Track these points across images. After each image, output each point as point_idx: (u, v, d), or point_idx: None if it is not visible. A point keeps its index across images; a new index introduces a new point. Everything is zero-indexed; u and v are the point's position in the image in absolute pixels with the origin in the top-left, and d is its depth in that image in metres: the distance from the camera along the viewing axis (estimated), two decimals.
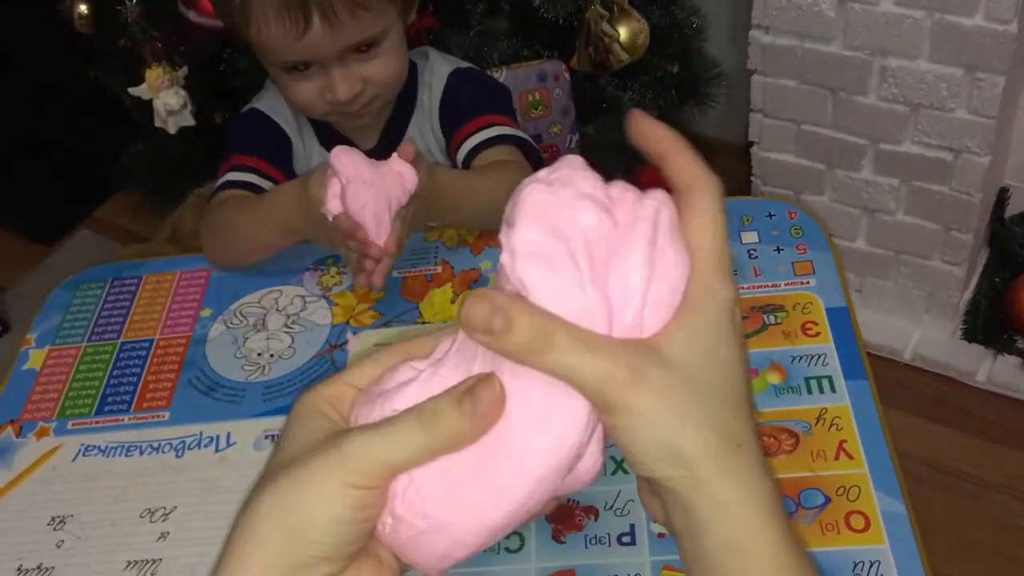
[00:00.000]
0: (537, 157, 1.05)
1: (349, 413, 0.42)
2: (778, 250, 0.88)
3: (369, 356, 0.44)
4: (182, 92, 1.38)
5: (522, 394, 0.38)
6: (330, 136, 1.07)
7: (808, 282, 0.84)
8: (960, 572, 1.37)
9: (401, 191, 0.80)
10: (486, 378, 0.38)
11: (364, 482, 0.37)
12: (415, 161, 0.82)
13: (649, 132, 0.41)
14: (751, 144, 1.71)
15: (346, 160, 0.78)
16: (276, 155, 1.05)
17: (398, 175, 0.80)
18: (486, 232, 0.96)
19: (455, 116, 1.06)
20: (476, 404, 0.37)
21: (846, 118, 1.54)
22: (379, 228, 0.79)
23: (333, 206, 0.79)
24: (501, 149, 1.01)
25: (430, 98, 1.07)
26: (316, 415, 0.42)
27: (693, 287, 0.39)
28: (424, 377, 0.40)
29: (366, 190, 0.78)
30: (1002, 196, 1.67)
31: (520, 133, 1.04)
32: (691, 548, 0.39)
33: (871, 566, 0.64)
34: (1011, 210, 1.69)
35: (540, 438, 0.38)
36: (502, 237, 0.38)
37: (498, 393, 0.38)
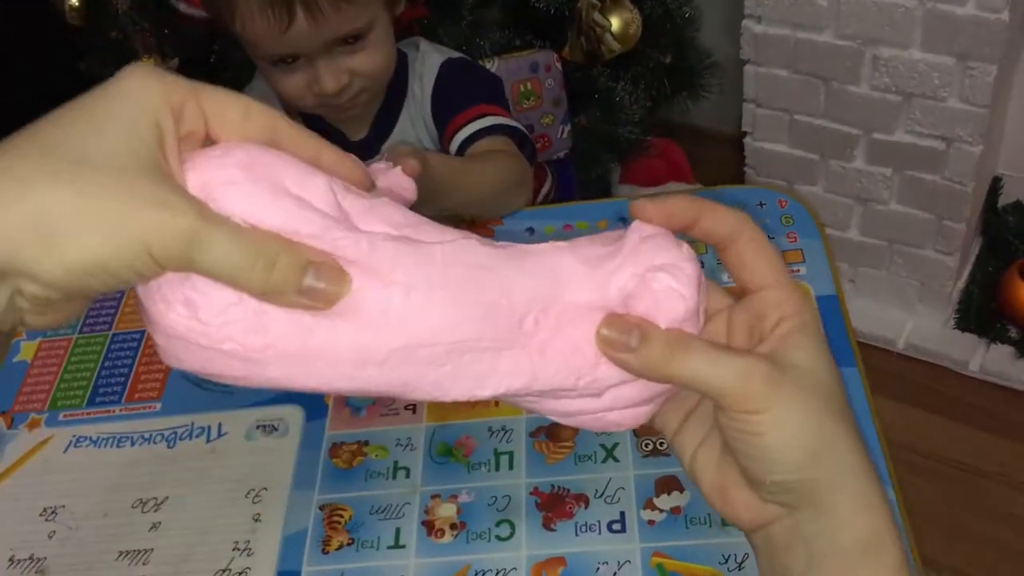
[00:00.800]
0: (531, 147, 1.05)
1: (191, 161, 0.37)
2: (769, 239, 0.88)
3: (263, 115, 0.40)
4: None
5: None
6: (320, 127, 1.07)
7: (798, 270, 0.84)
8: (952, 559, 1.38)
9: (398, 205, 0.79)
10: (343, 275, 0.37)
11: (158, 259, 0.34)
12: (414, 169, 0.80)
13: (667, 210, 0.41)
14: (744, 134, 1.72)
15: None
16: None
17: (397, 188, 0.79)
18: (478, 220, 0.96)
19: (447, 107, 1.06)
20: (313, 284, 0.37)
21: (839, 108, 1.54)
22: None
23: None
24: (494, 139, 1.01)
25: (421, 89, 1.07)
26: (150, 124, 0.35)
27: (788, 302, 0.41)
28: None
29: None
30: (995, 185, 1.67)
31: (513, 123, 1.04)
32: (822, 549, 0.39)
33: None
34: (1004, 199, 1.69)
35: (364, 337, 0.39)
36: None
37: (341, 293, 0.37)
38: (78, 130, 0.34)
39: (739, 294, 0.44)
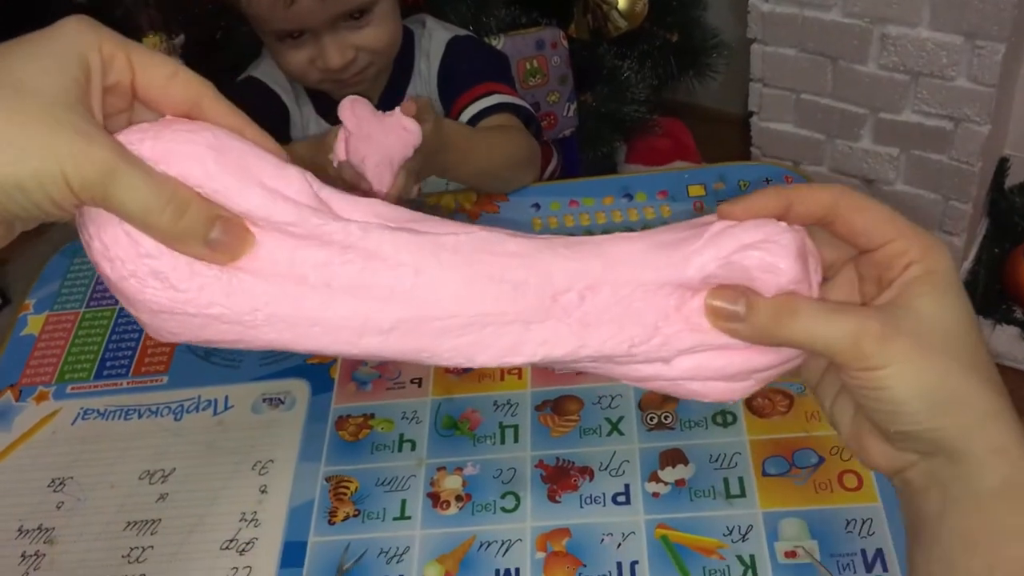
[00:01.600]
0: (536, 125, 1.05)
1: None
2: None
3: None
4: (179, 61, 1.37)
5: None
6: (326, 104, 1.06)
7: None
8: None
9: (403, 146, 0.80)
10: (247, 234, 0.39)
11: (74, 186, 0.35)
12: (421, 114, 0.81)
13: (756, 208, 0.41)
14: (750, 114, 1.71)
15: (349, 113, 0.78)
16: (272, 123, 1.04)
17: (402, 130, 0.80)
18: (483, 197, 0.96)
19: (454, 84, 1.06)
20: (218, 237, 0.38)
21: (846, 87, 1.53)
22: (379, 181, 0.80)
23: (339, 152, 0.79)
24: (500, 117, 1.01)
25: (428, 66, 1.07)
26: (81, 64, 0.37)
27: (914, 248, 0.40)
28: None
29: (366, 144, 0.78)
30: (1002, 166, 1.67)
31: (520, 101, 1.04)
32: (957, 494, 0.39)
33: (863, 523, 0.65)
34: (1011, 180, 1.68)
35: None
36: None
37: (243, 250, 0.39)
38: (14, 61, 0.36)
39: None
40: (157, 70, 0.40)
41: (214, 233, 0.38)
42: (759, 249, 0.40)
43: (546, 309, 0.42)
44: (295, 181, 0.41)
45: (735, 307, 0.40)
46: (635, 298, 0.42)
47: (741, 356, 0.42)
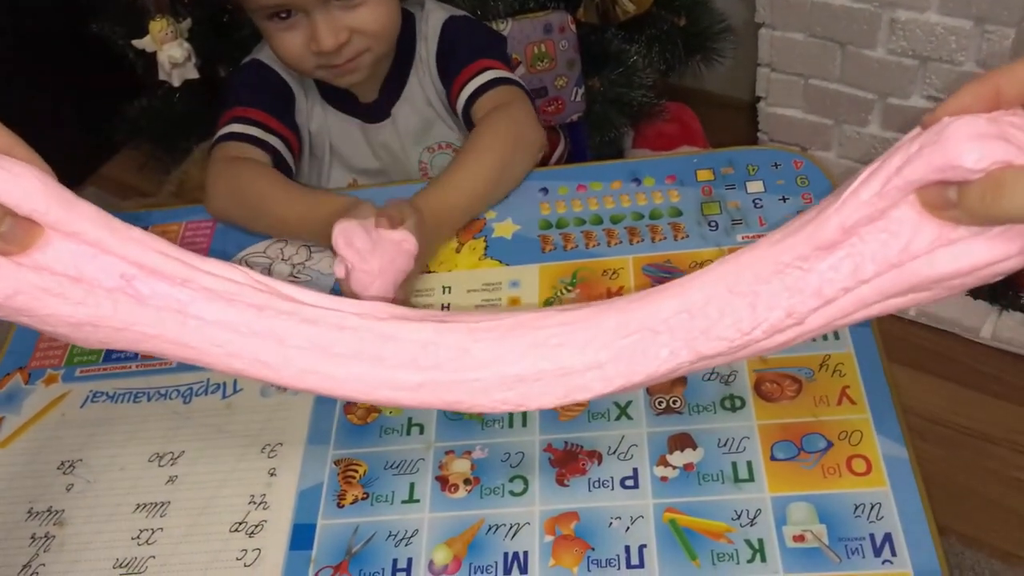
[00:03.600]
0: (532, 104, 1.04)
1: None
2: (783, 199, 0.88)
3: None
4: (186, 44, 1.37)
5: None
6: (331, 90, 1.06)
7: None
8: (961, 525, 1.39)
9: (405, 261, 0.78)
10: (36, 229, 0.51)
11: None
12: (400, 215, 0.80)
13: (960, 105, 0.42)
14: (758, 99, 1.70)
15: (345, 246, 0.76)
16: (278, 107, 1.04)
17: (397, 247, 0.78)
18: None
19: (451, 64, 1.05)
20: (11, 231, 0.50)
21: (854, 72, 1.52)
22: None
23: (337, 271, 0.77)
24: (500, 91, 0.99)
25: (427, 49, 1.06)
26: None
27: None
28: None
29: (371, 280, 0.76)
30: None
31: (515, 78, 1.03)
32: None
33: (872, 508, 0.65)
34: None
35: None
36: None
37: (31, 243, 0.51)
38: None
39: None
40: None
41: (4, 227, 0.48)
42: (919, 158, 0.42)
43: (616, 351, 0.54)
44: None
45: (945, 194, 0.41)
46: (735, 302, 0.52)
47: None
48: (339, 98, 1.07)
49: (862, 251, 0.47)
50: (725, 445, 0.70)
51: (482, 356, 0.53)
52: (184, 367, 0.83)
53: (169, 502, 0.75)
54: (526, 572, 0.66)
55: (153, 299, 0.54)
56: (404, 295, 0.81)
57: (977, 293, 1.63)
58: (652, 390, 0.75)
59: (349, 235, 0.75)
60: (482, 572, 0.67)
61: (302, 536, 0.71)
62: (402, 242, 0.78)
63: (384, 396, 0.56)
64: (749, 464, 0.69)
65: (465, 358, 0.53)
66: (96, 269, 0.53)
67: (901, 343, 1.62)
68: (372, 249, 0.76)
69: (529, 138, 0.96)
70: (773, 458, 0.69)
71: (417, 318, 0.56)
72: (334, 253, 0.77)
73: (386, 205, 0.81)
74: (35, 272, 0.52)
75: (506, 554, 0.67)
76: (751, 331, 0.51)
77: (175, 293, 0.54)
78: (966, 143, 0.40)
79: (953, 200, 0.41)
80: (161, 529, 0.73)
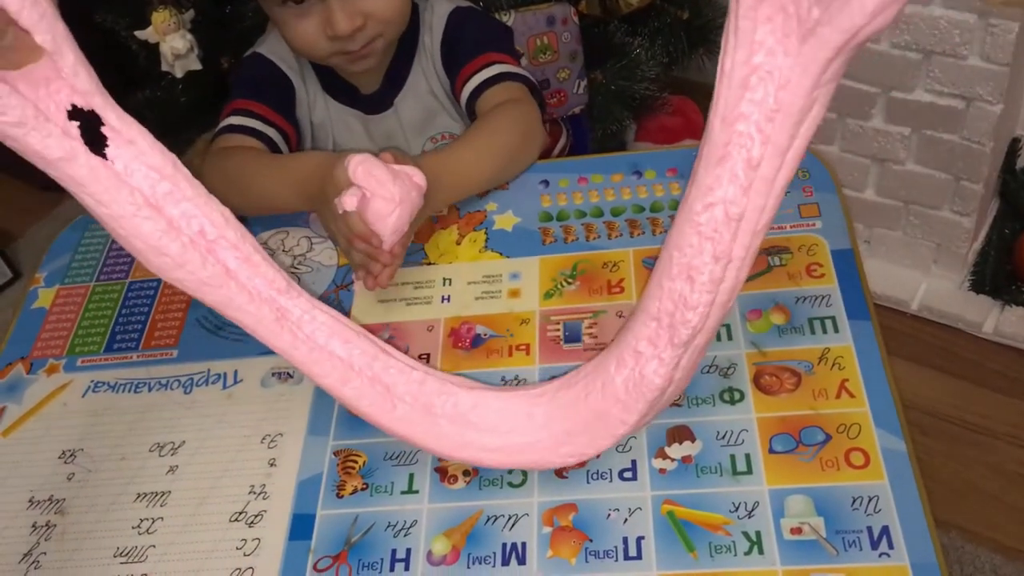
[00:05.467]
0: (539, 97, 1.04)
1: None
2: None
3: None
4: (188, 35, 1.37)
5: None
6: (332, 81, 1.06)
7: (814, 224, 0.84)
8: (962, 519, 1.39)
9: (418, 195, 0.79)
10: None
11: None
12: (402, 159, 0.81)
13: None
14: None
15: (364, 174, 0.76)
16: (278, 100, 1.04)
17: (410, 177, 0.79)
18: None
19: (456, 56, 1.04)
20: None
21: (857, 65, 1.52)
22: (395, 237, 0.79)
23: (347, 203, 0.77)
24: (505, 87, 0.99)
25: (431, 39, 1.06)
26: None
27: None
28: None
29: (392, 208, 0.77)
30: (1014, 147, 1.65)
31: (522, 71, 1.03)
32: None
33: (870, 501, 0.65)
34: (1022, 161, 1.67)
35: None
36: None
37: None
38: None
39: None
40: None
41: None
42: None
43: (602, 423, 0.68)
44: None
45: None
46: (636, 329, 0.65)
47: None
48: (340, 90, 1.07)
49: (750, 112, 0.53)
50: (724, 438, 0.71)
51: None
52: (184, 358, 0.84)
53: (169, 492, 0.75)
54: (524, 563, 0.66)
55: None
56: (410, 235, 0.82)
57: (980, 287, 1.63)
58: None
59: (368, 165, 0.77)
60: (480, 563, 0.67)
61: (302, 526, 0.71)
62: (413, 175, 0.79)
63: (469, 455, 0.70)
64: (747, 457, 0.69)
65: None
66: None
67: (903, 338, 1.62)
68: (392, 178, 0.77)
69: (536, 137, 0.98)
70: (771, 451, 0.69)
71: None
72: (327, 235, 0.78)
73: (383, 152, 0.82)
74: None
75: (504, 545, 0.68)
76: (697, 306, 0.59)
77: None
78: None
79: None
80: (161, 518, 0.74)
